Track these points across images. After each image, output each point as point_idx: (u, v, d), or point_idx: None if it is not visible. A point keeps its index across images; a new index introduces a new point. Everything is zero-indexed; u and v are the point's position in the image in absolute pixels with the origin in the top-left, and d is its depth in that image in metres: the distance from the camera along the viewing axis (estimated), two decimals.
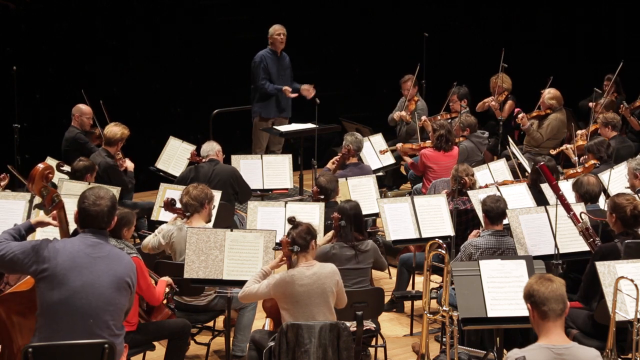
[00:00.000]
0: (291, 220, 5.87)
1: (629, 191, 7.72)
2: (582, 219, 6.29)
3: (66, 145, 9.17)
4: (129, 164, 8.76)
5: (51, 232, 5.74)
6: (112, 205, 4.68)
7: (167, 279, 6.10)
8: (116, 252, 4.69)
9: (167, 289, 6.12)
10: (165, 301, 6.08)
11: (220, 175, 8.23)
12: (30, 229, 4.87)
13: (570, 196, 7.32)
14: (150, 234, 7.09)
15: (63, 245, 4.59)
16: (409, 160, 9.85)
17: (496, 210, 6.67)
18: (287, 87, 10.54)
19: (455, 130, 9.73)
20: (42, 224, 4.91)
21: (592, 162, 8.71)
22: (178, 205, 6.82)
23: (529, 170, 8.76)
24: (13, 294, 4.84)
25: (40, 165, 4.92)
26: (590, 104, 10.75)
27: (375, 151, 9.82)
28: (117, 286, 4.59)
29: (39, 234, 6.15)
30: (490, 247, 6.61)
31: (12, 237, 4.71)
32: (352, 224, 6.58)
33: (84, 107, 9.29)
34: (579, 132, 9.96)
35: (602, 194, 7.37)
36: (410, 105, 10.81)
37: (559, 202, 6.40)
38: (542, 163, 6.62)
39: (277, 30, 10.63)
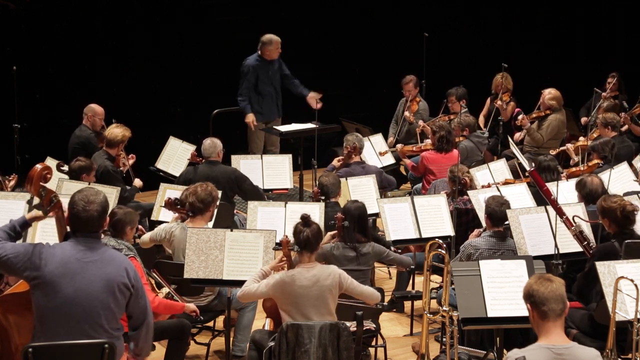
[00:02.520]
0: (305, 218, 5.80)
1: (636, 186, 7.73)
2: (575, 223, 6.27)
3: (76, 144, 9.11)
4: (137, 183, 8.77)
5: (51, 233, 5.75)
6: (103, 210, 4.64)
7: (194, 308, 6.09)
8: (109, 255, 4.65)
9: (194, 315, 6.12)
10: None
11: (218, 179, 8.18)
12: (25, 224, 4.85)
13: (573, 195, 7.33)
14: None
15: (55, 251, 4.55)
16: (408, 162, 9.83)
17: (499, 214, 6.67)
18: (249, 118, 10.52)
19: (455, 130, 9.75)
20: (38, 218, 4.89)
21: (596, 161, 8.70)
22: (180, 205, 6.81)
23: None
24: (11, 295, 4.84)
25: (38, 166, 4.90)
26: (583, 120, 10.85)
27: (375, 151, 9.82)
28: (111, 289, 4.56)
29: (39, 235, 6.17)
30: (490, 249, 6.61)
31: (6, 235, 4.69)
32: (355, 225, 6.57)
33: (97, 108, 9.27)
34: (582, 138, 9.93)
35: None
36: (412, 105, 10.82)
37: (564, 200, 6.40)
38: (532, 169, 6.61)
39: (276, 44, 10.50)
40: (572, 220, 6.28)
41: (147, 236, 6.86)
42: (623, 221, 6.17)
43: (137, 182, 8.80)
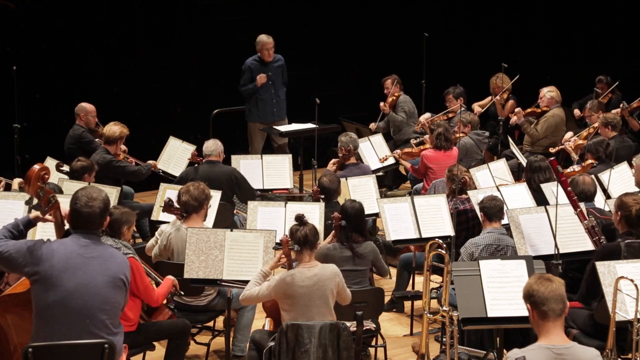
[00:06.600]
0: (299, 217, 5.81)
1: (635, 190, 7.72)
2: (588, 217, 6.26)
3: (70, 144, 9.12)
4: (151, 162, 8.96)
5: (51, 233, 5.74)
6: (105, 207, 4.67)
7: (171, 278, 6.06)
8: (109, 251, 4.69)
9: (173, 290, 6.09)
10: (165, 301, 6.05)
11: (219, 179, 8.16)
12: (29, 224, 4.86)
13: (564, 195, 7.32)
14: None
15: (56, 247, 4.58)
16: (408, 165, 9.82)
17: (494, 208, 6.71)
18: (260, 76, 10.48)
19: (457, 126, 9.76)
20: (41, 218, 4.90)
21: (590, 162, 8.69)
22: (176, 205, 6.80)
23: None
24: (9, 295, 4.84)
25: (36, 166, 4.90)
26: (576, 112, 10.93)
27: (375, 151, 9.82)
28: (112, 285, 4.59)
29: (39, 234, 6.16)
30: (491, 244, 6.61)
31: (10, 233, 4.70)
32: (352, 225, 6.56)
33: (87, 106, 9.26)
34: (575, 136, 9.97)
35: (602, 193, 7.37)
36: (390, 99, 10.89)
37: (564, 200, 6.38)
38: (552, 158, 6.58)
39: (265, 45, 10.53)
40: (585, 214, 6.26)
41: (149, 247, 6.82)
42: (635, 220, 6.07)
43: (151, 162, 8.95)
